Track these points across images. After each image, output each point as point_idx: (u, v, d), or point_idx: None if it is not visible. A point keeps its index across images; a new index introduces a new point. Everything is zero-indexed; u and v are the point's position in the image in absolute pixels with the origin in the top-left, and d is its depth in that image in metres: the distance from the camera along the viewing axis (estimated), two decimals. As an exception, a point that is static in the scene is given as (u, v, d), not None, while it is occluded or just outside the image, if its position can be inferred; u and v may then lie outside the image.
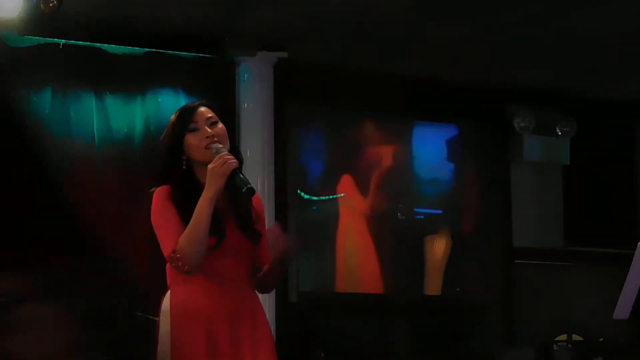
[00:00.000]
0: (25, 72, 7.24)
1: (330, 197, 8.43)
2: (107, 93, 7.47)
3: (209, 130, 3.50)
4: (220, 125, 3.56)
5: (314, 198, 8.34)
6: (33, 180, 7.08)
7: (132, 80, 7.57)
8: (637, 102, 9.29)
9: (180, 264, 3.38)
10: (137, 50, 7.57)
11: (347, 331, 8.26)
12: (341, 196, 8.47)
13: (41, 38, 7.25)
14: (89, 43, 7.40)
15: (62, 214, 7.11)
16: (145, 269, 7.34)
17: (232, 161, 3.41)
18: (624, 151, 9.67)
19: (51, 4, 6.48)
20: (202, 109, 3.57)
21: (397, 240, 8.65)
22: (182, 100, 7.66)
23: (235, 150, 3.58)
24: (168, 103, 7.65)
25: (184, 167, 3.51)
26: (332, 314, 8.19)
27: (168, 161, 3.54)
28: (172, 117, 3.61)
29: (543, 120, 9.10)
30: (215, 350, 3.39)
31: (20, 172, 7.05)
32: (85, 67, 7.40)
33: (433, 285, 8.84)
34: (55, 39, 7.29)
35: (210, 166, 3.39)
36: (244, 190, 3.39)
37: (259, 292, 3.60)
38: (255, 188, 3.47)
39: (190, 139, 3.50)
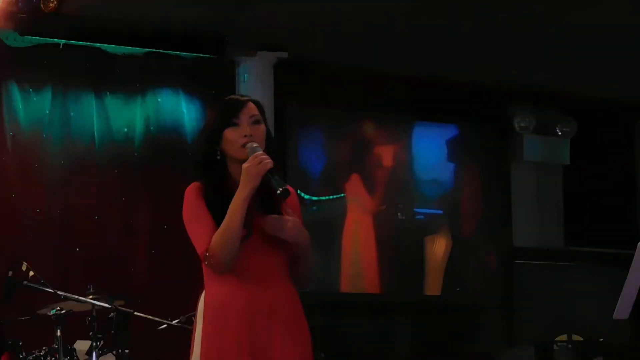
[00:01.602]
0: (25, 72, 7.24)
1: (331, 197, 8.42)
2: (107, 93, 7.47)
3: (248, 128, 3.45)
4: (262, 126, 3.50)
5: (314, 198, 8.33)
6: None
7: (132, 80, 7.57)
8: (637, 102, 9.29)
9: (213, 262, 3.36)
10: (137, 50, 7.56)
11: (347, 331, 8.25)
12: (341, 196, 8.47)
13: (41, 38, 7.25)
14: (89, 43, 7.40)
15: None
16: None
17: (268, 161, 3.35)
18: (624, 151, 9.67)
19: (51, 4, 6.48)
20: (249, 105, 3.50)
21: (397, 240, 8.64)
22: (182, 100, 7.67)
23: (271, 152, 3.49)
24: (168, 103, 7.65)
25: (218, 158, 3.46)
26: (332, 314, 8.18)
27: (204, 151, 3.50)
28: (216, 107, 3.56)
29: (543, 120, 9.10)
30: (247, 347, 3.36)
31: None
32: (85, 67, 7.39)
33: (433, 285, 8.84)
34: (55, 39, 7.29)
35: (245, 165, 3.34)
36: (278, 192, 3.36)
37: (296, 286, 3.55)
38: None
39: (228, 134, 3.44)
